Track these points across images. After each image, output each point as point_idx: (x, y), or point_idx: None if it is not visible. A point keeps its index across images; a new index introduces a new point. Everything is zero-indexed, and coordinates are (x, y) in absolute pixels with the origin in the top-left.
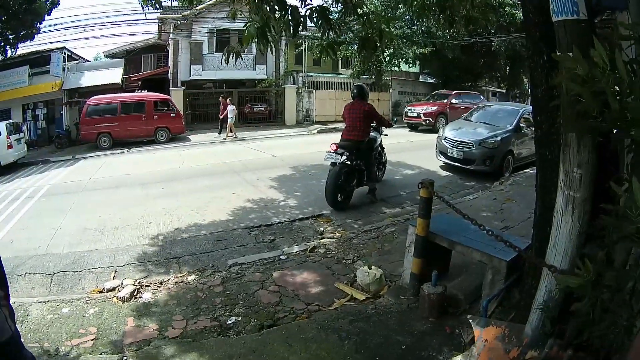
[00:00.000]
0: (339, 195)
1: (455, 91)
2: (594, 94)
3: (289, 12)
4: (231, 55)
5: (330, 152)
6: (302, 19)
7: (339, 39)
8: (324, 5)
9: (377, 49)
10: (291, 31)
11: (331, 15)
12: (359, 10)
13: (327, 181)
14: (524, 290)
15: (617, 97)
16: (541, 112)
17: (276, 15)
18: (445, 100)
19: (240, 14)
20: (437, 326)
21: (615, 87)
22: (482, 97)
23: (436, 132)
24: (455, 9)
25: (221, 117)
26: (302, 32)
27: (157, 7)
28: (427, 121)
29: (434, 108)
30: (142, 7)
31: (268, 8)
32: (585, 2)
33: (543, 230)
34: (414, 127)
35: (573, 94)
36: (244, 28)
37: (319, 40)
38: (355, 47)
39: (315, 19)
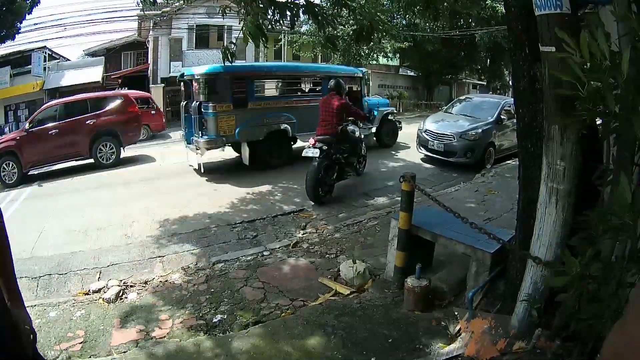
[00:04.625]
0: (320, 189)
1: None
2: (586, 85)
3: (279, 7)
4: (227, 54)
5: (309, 146)
6: (294, 12)
7: (334, 31)
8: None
9: (372, 39)
10: (288, 23)
11: (323, 9)
12: (348, 2)
13: (307, 176)
14: (509, 281)
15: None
16: (523, 104)
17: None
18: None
19: (230, 11)
20: (422, 319)
21: (611, 79)
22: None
23: None
24: (440, 3)
25: None
26: (280, 27)
27: (152, 3)
28: None
29: None
30: (139, 4)
31: (261, 5)
32: None
33: (527, 222)
34: None
35: (566, 81)
36: (241, 29)
37: (300, 35)
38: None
39: (304, 14)
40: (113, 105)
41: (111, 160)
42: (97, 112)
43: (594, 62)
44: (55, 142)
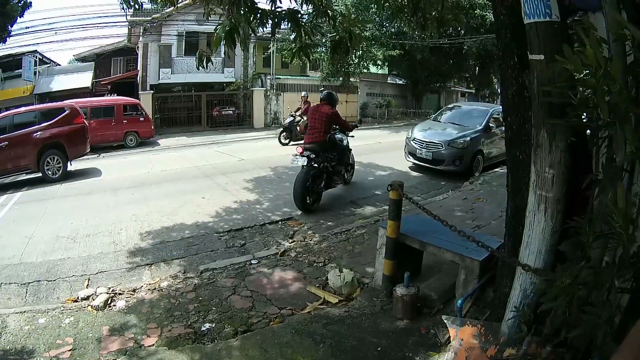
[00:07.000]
0: (308, 197)
1: None
2: (580, 92)
3: (259, 15)
4: (203, 59)
5: (296, 155)
6: (276, 21)
7: (311, 41)
8: (294, 8)
9: (349, 51)
10: (270, 33)
11: (303, 17)
12: (329, 12)
13: (295, 184)
14: (498, 289)
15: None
16: (512, 112)
17: (249, 17)
18: None
19: (214, 14)
20: (411, 327)
21: (605, 87)
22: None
23: None
24: (427, 11)
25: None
26: (269, 34)
27: (138, 7)
28: None
29: None
30: (122, 8)
31: (241, 11)
32: (558, 3)
33: (515, 229)
34: None
35: (559, 90)
36: (214, 31)
37: (290, 43)
38: (324, 49)
39: (286, 22)
40: (59, 117)
41: (58, 175)
42: (44, 124)
43: (590, 69)
44: (5, 154)
